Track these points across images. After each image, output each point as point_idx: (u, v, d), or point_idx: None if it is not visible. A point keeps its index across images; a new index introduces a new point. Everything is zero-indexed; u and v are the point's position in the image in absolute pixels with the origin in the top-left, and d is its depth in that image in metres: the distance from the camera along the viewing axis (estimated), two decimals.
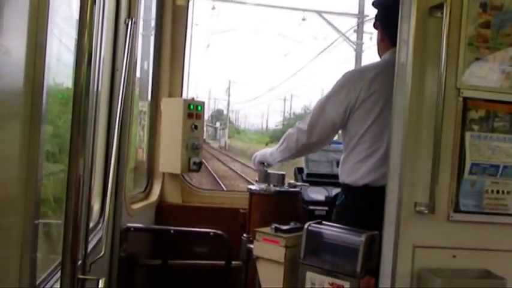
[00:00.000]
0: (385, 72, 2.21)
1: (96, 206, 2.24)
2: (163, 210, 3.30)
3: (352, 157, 2.30)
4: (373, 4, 2.44)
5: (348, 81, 2.31)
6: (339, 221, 2.17)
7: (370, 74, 2.26)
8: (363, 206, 2.22)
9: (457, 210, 1.84)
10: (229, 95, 57.13)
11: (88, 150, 1.41)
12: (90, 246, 1.89)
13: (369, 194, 2.19)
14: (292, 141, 2.46)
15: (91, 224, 2.08)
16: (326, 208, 2.91)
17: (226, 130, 49.16)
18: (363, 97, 2.23)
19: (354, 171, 2.29)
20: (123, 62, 2.11)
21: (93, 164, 1.53)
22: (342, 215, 2.31)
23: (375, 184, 2.19)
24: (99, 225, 2.13)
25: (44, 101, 1.18)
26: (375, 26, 2.48)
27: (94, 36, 1.23)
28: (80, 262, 1.48)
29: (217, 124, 58.74)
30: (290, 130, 2.52)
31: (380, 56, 2.45)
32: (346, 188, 2.35)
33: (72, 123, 1.18)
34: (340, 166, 2.40)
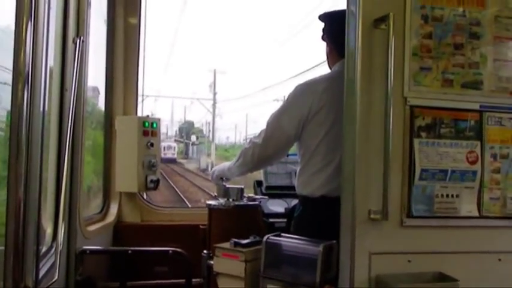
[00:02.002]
0: (335, 84, 2.25)
1: (49, 230, 2.17)
2: (121, 230, 3.23)
3: (308, 169, 2.33)
4: (320, 18, 2.49)
5: (299, 95, 2.34)
6: (298, 233, 2.18)
7: (320, 87, 2.30)
8: (321, 216, 2.24)
9: (409, 215, 1.89)
10: (214, 92, 43.50)
11: (35, 173, 1.36)
12: (43, 271, 1.83)
13: (327, 204, 2.21)
14: (248, 156, 2.47)
15: (44, 249, 2.01)
16: (286, 220, 2.91)
17: (213, 146, 41.19)
18: (315, 109, 2.26)
19: (310, 183, 2.31)
20: (72, 82, 2.07)
21: (41, 186, 1.47)
22: (301, 226, 2.32)
23: (331, 194, 2.21)
24: (52, 250, 2.06)
25: None
26: (322, 38, 2.52)
27: (35, 54, 1.20)
28: None
29: (193, 138, 52.34)
30: (246, 145, 2.54)
31: (330, 68, 2.49)
32: (304, 199, 2.37)
33: (10, 146, 1.14)
34: (296, 178, 2.42)
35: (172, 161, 41.54)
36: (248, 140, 2.61)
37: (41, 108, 1.43)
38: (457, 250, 1.93)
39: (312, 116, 2.27)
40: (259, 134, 2.44)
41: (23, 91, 1.16)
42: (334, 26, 2.43)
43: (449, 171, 1.91)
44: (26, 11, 1.14)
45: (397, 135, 1.85)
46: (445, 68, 1.94)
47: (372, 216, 1.83)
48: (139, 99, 3.43)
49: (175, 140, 53.93)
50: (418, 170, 1.88)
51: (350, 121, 1.87)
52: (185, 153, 54.48)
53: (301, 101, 2.30)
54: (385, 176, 1.79)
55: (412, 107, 1.89)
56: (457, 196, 1.93)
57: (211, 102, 42.43)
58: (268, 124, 2.42)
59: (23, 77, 1.15)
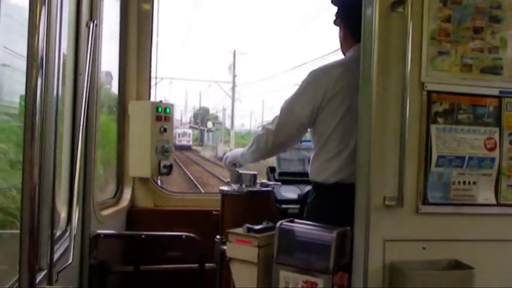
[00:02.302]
0: (350, 70, 2.22)
1: (63, 214, 2.19)
2: (134, 215, 3.25)
3: (322, 155, 2.31)
4: (333, 1, 2.44)
5: (314, 81, 2.30)
6: (311, 219, 2.17)
7: (336, 72, 2.27)
8: (334, 203, 2.22)
9: (425, 202, 1.86)
10: (233, 74, 39.55)
11: (49, 157, 1.37)
12: (57, 254, 1.84)
13: (340, 191, 2.19)
14: (262, 143, 2.45)
15: (58, 232, 2.03)
16: (299, 206, 2.91)
17: (232, 132, 38.39)
18: (330, 95, 2.23)
19: (324, 169, 2.29)
20: (85, 66, 2.07)
21: (55, 171, 1.48)
22: (314, 212, 2.31)
23: (345, 181, 2.19)
24: (67, 234, 2.08)
25: None
26: (335, 23, 2.48)
27: (49, 39, 1.19)
28: (45, 272, 1.44)
29: (209, 124, 50.57)
30: (259, 131, 2.52)
31: (344, 54, 2.46)
32: (317, 186, 2.35)
33: (25, 130, 1.14)
34: (310, 164, 2.41)
35: (187, 148, 40.28)
36: (261, 127, 2.59)
37: (55, 93, 1.43)
38: (474, 238, 1.91)
39: (326, 101, 2.24)
40: (273, 120, 2.42)
41: (37, 76, 1.15)
42: (348, 9, 2.39)
43: (466, 158, 1.88)
44: None
45: (414, 120, 1.82)
46: (463, 52, 1.89)
47: (387, 202, 1.81)
48: (153, 82, 3.43)
49: (190, 127, 52.11)
50: (435, 157, 1.85)
51: (366, 106, 1.84)
52: (200, 140, 52.73)
53: (316, 86, 2.27)
54: (401, 162, 1.77)
55: (429, 92, 1.85)
56: (474, 183, 1.90)
57: (230, 85, 39.82)
58: (281, 110, 2.39)
59: (36, 62, 1.14)
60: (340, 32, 2.47)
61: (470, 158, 1.88)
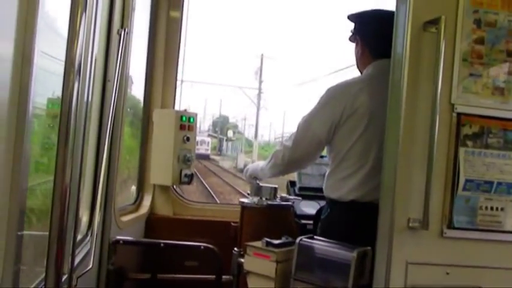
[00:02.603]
0: (368, 87, 2.21)
1: (84, 218, 2.20)
2: (153, 222, 3.26)
3: (338, 172, 2.28)
4: (349, 18, 2.42)
5: (332, 97, 2.28)
6: (325, 235, 2.14)
7: (354, 90, 2.23)
8: (349, 221, 2.20)
9: (450, 226, 1.82)
10: (260, 80, 36.57)
11: (76, 162, 1.38)
12: (78, 259, 1.85)
13: (356, 209, 2.17)
14: (279, 159, 2.44)
15: (79, 237, 2.04)
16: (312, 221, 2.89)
17: (255, 143, 35.59)
18: (348, 113, 2.20)
19: (339, 187, 2.26)
20: (115, 73, 2.09)
21: (81, 175, 1.49)
22: (328, 229, 2.27)
23: (361, 199, 2.17)
24: (87, 238, 2.09)
25: (30, 111, 1.15)
26: (351, 39, 2.46)
27: (85, 45, 1.21)
28: (65, 276, 1.45)
29: (230, 133, 48.45)
30: (277, 147, 2.51)
31: (360, 71, 2.43)
32: (332, 202, 2.32)
33: (59, 134, 1.16)
34: (325, 181, 2.37)
35: (205, 157, 38.61)
36: (280, 143, 2.58)
37: (86, 98, 1.44)
38: (499, 266, 1.86)
39: (344, 119, 2.21)
40: (290, 136, 2.41)
41: (74, 81, 1.17)
42: (366, 26, 2.38)
43: (495, 183, 1.84)
44: (81, 2, 1.15)
45: (442, 142, 1.79)
46: (496, 75, 1.86)
47: (411, 224, 1.78)
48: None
49: (209, 135, 50.52)
50: (462, 180, 1.81)
51: (394, 126, 1.81)
52: (218, 150, 51.20)
53: (334, 103, 2.24)
54: (428, 184, 1.74)
55: (459, 114, 1.82)
56: (502, 209, 1.86)
57: (255, 91, 37.32)
58: (298, 127, 2.38)
59: (74, 67, 1.16)
60: (356, 48, 2.44)
61: (499, 184, 1.84)
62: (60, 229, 1.14)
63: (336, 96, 2.27)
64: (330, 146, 2.32)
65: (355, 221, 2.14)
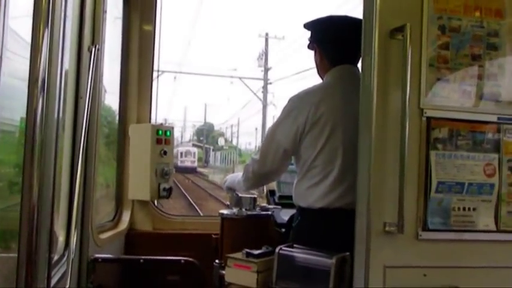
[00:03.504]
0: (329, 95, 2.24)
1: (61, 238, 2.17)
2: (133, 238, 3.22)
3: (306, 181, 2.29)
4: (305, 26, 2.45)
5: (295, 107, 2.29)
6: (298, 243, 2.14)
7: (315, 98, 2.25)
8: (320, 227, 2.22)
9: (425, 228, 1.85)
10: (265, 66, 28.97)
11: (48, 180, 1.36)
12: (55, 279, 1.83)
13: (325, 216, 2.20)
14: (249, 172, 2.46)
15: (56, 257, 2.01)
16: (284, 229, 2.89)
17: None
18: (311, 122, 2.22)
19: (308, 195, 2.27)
20: (87, 89, 2.08)
21: (54, 193, 1.47)
22: (300, 236, 2.27)
23: (331, 206, 2.19)
24: (64, 258, 2.06)
25: None
26: (309, 47, 2.47)
27: (53, 62, 1.21)
28: None
29: (221, 141, 44.37)
30: (247, 161, 2.53)
31: (321, 77, 2.45)
32: (302, 210, 2.33)
33: (25, 151, 1.15)
34: (293, 189, 2.38)
35: (191, 170, 34.39)
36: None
37: (56, 115, 1.44)
38: (474, 265, 1.89)
39: (308, 128, 2.22)
40: (258, 149, 2.43)
41: (38, 98, 1.16)
42: (323, 33, 2.40)
43: (466, 184, 1.88)
44: (43, 18, 1.15)
45: (413, 146, 1.82)
46: (462, 79, 1.91)
47: (387, 228, 1.80)
48: (155, 74, 3.38)
49: (194, 145, 45.20)
50: (435, 183, 1.85)
51: (366, 132, 1.84)
52: (205, 161, 46.26)
53: (297, 113, 2.25)
54: (401, 188, 1.77)
55: (428, 118, 1.86)
56: (474, 209, 1.90)
57: (256, 83, 30.26)
58: (264, 139, 2.41)
59: (38, 83, 1.15)
60: (315, 56, 2.46)
61: (470, 184, 1.88)
62: (29, 249, 1.13)
63: (298, 105, 2.28)
64: (296, 155, 2.34)
65: (326, 228, 2.17)
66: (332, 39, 2.28)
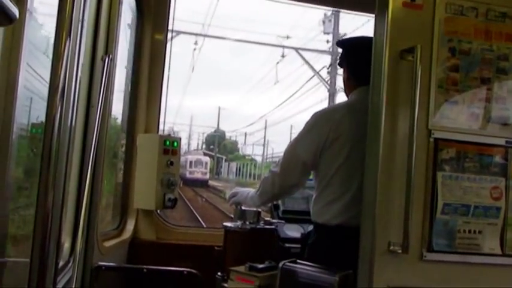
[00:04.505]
0: (352, 113, 2.26)
1: (66, 244, 2.18)
2: (136, 247, 3.22)
3: (324, 197, 2.31)
4: (338, 44, 2.50)
5: (317, 122, 2.33)
6: (312, 260, 2.15)
7: (338, 115, 2.29)
8: (336, 245, 2.21)
9: (430, 249, 1.85)
10: (335, 30, 18.43)
11: (59, 187, 1.38)
12: (60, 286, 1.83)
13: (342, 233, 2.19)
14: (268, 185, 2.47)
15: (61, 263, 2.02)
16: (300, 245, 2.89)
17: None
18: (332, 138, 2.25)
19: (326, 211, 2.29)
20: (98, 98, 2.10)
21: (64, 200, 1.49)
22: (315, 253, 2.29)
23: (347, 224, 2.19)
24: (69, 264, 2.07)
25: (14, 136, 1.16)
26: (339, 64, 2.53)
27: (69, 70, 1.23)
28: None
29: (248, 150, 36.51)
30: (266, 174, 2.54)
31: (347, 95, 2.49)
32: (319, 227, 2.34)
33: (42, 158, 1.16)
34: (312, 206, 2.40)
35: (202, 183, 28.90)
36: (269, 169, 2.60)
37: (68, 124, 1.46)
38: None
39: (329, 144, 2.26)
40: (278, 162, 2.44)
41: (57, 106, 1.19)
42: (354, 53, 2.44)
43: (472, 207, 1.88)
44: (66, 28, 1.18)
45: (420, 167, 1.83)
46: (471, 101, 1.92)
47: (391, 248, 1.81)
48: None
49: (205, 154, 38.57)
50: (441, 204, 1.85)
51: (373, 151, 1.86)
52: (216, 173, 40.21)
53: (319, 128, 2.30)
54: (407, 208, 1.77)
55: (436, 139, 1.87)
56: (480, 232, 1.90)
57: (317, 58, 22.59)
58: (285, 153, 2.42)
59: (58, 92, 1.18)
60: (343, 74, 2.51)
61: (476, 207, 1.88)
62: (42, 256, 1.14)
63: (321, 121, 2.32)
64: (316, 170, 2.36)
65: (342, 246, 2.15)
66: (360, 59, 2.31)
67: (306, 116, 2.42)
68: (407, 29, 1.88)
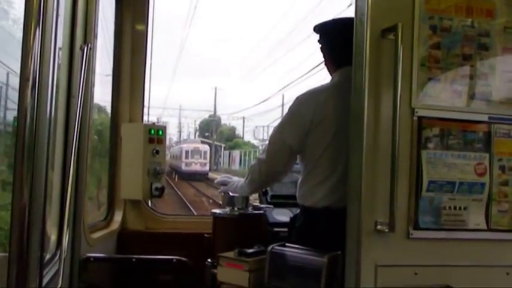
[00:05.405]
0: (335, 95, 2.25)
1: (53, 237, 2.16)
2: (125, 237, 3.21)
3: (310, 180, 2.31)
4: (315, 29, 2.47)
5: (301, 105, 2.32)
6: (300, 243, 2.15)
7: (322, 97, 2.28)
8: (324, 227, 2.21)
9: (416, 227, 1.86)
10: None
11: (40, 178, 1.36)
12: (47, 279, 1.82)
13: (330, 215, 2.19)
14: (256, 173, 2.46)
15: (47, 256, 2.00)
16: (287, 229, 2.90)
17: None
18: (317, 120, 2.24)
19: (312, 194, 2.29)
20: (79, 88, 2.07)
21: (46, 192, 1.47)
22: (303, 236, 2.29)
23: (335, 206, 2.19)
24: (56, 257, 2.05)
25: None
26: (320, 49, 2.51)
27: (44, 61, 1.20)
28: None
29: (261, 134, 31.34)
30: (253, 162, 2.53)
31: (331, 76, 2.48)
32: (305, 210, 2.35)
33: (16, 150, 1.14)
34: (298, 189, 2.40)
35: (201, 175, 25.88)
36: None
37: (48, 114, 1.43)
38: (465, 263, 1.91)
39: (314, 126, 2.25)
40: (264, 149, 2.43)
41: (29, 97, 1.16)
42: (329, 36, 2.43)
43: (457, 183, 1.89)
44: (35, 17, 1.15)
45: (405, 146, 1.83)
46: (453, 78, 1.92)
47: (378, 227, 1.81)
48: None
49: (202, 141, 34.06)
50: (426, 182, 1.86)
51: (357, 131, 1.85)
52: (215, 163, 35.65)
53: (303, 111, 2.28)
54: (392, 187, 1.78)
55: (420, 118, 1.87)
56: (465, 208, 1.91)
57: None
58: (270, 138, 2.41)
59: (29, 82, 1.15)
60: (324, 57, 2.49)
61: (461, 183, 1.89)
62: (20, 248, 1.12)
63: (305, 104, 2.31)
64: (301, 154, 2.35)
65: (330, 228, 2.15)
66: (337, 41, 2.30)
67: None
68: (388, 7, 1.87)
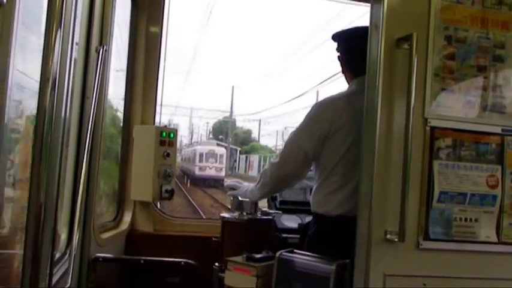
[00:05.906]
0: (353, 103, 2.25)
1: (63, 236, 2.18)
2: (134, 238, 3.23)
3: (325, 187, 2.30)
4: (333, 37, 2.47)
5: (320, 112, 2.32)
6: (312, 250, 2.15)
7: (341, 105, 2.28)
8: (337, 236, 2.20)
9: (426, 238, 1.86)
10: None
11: (53, 178, 1.38)
12: (56, 277, 1.83)
13: (343, 224, 2.18)
14: (267, 176, 2.46)
15: (57, 255, 2.02)
16: (299, 236, 2.89)
17: None
18: (335, 127, 2.24)
19: (327, 202, 2.28)
20: (93, 90, 2.09)
21: (59, 192, 1.48)
22: (315, 244, 2.29)
23: (349, 214, 2.17)
24: (66, 256, 2.07)
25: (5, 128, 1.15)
26: (338, 58, 2.51)
27: (61, 62, 1.22)
28: None
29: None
30: (266, 167, 2.53)
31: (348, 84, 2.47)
32: (319, 217, 2.34)
33: (34, 150, 1.16)
34: (312, 196, 2.39)
35: (216, 181, 23.99)
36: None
37: (63, 116, 1.45)
38: (474, 276, 1.90)
39: (332, 133, 2.25)
40: (278, 154, 2.43)
41: (49, 98, 1.18)
42: (347, 44, 2.43)
43: (468, 195, 1.88)
44: (56, 19, 1.16)
45: (417, 155, 1.83)
46: (467, 89, 1.92)
47: (388, 237, 1.81)
48: None
49: (218, 144, 31.62)
50: (437, 192, 1.85)
51: (369, 140, 1.85)
52: (230, 168, 32.63)
53: (322, 118, 2.28)
54: (403, 197, 1.77)
55: (432, 128, 1.87)
56: (476, 220, 1.90)
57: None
58: (286, 143, 2.41)
59: (49, 83, 1.16)
60: (341, 65, 2.49)
61: (472, 195, 1.88)
62: (35, 247, 1.14)
63: (324, 111, 2.31)
64: (317, 161, 2.34)
65: (343, 236, 2.12)
66: (355, 50, 2.29)
67: None
68: (403, 17, 1.87)
